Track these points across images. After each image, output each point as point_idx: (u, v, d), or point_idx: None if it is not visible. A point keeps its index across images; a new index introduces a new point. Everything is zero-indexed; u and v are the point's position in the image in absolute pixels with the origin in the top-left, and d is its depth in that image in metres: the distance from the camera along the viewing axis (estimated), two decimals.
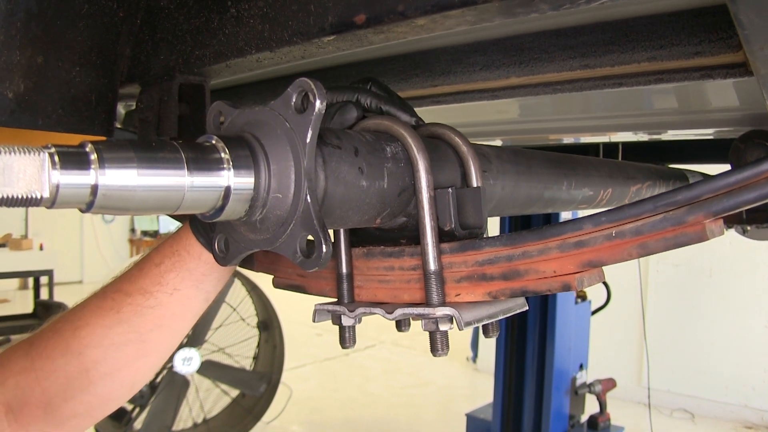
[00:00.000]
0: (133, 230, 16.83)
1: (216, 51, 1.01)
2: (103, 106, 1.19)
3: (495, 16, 0.70)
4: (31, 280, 9.39)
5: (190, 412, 5.48)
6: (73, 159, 0.54)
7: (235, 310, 5.75)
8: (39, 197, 0.52)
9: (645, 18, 1.01)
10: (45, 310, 8.54)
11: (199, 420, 5.63)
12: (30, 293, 9.33)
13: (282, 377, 6.00)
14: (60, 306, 8.35)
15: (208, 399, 5.67)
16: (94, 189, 0.55)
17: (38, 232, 13.02)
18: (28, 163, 0.51)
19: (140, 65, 1.18)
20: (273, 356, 6.06)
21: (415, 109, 1.52)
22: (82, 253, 15.66)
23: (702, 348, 7.15)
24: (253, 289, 5.81)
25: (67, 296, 8.86)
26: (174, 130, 1.11)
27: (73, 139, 1.20)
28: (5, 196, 0.51)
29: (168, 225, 16.70)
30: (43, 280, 9.60)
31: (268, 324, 6.07)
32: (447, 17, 0.71)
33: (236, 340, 5.82)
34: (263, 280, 5.52)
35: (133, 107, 1.61)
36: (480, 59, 1.21)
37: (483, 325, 0.77)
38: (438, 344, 0.72)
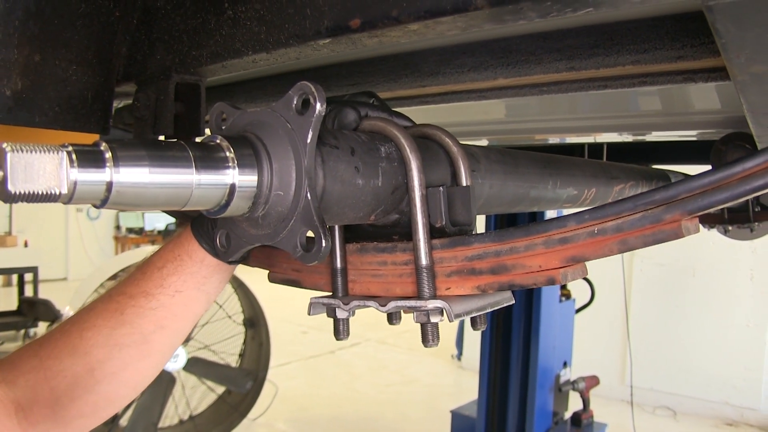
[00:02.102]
0: (118, 227, 16.74)
1: (213, 51, 1.03)
2: (99, 104, 1.21)
3: (485, 22, 0.73)
4: (15, 277, 9.33)
5: (176, 409, 5.48)
6: (89, 157, 0.57)
7: (221, 307, 5.75)
8: (57, 193, 0.55)
9: (629, 23, 1.03)
10: (29, 307, 8.49)
11: (185, 417, 5.63)
12: (14, 290, 9.27)
13: (268, 374, 6.01)
14: (45, 303, 8.31)
15: (194, 396, 5.67)
16: (109, 186, 0.58)
17: (23, 229, 12.93)
18: (48, 161, 0.54)
19: (136, 64, 1.19)
20: (259, 353, 6.07)
21: (403, 109, 1.55)
22: (66, 250, 15.57)
23: (684, 346, 7.23)
24: (240, 287, 5.82)
25: (52, 293, 8.83)
26: (170, 129, 1.13)
27: (68, 136, 1.22)
28: (26, 192, 0.53)
29: (153, 222, 16.65)
30: (28, 277, 9.55)
31: (255, 321, 6.08)
32: (439, 23, 0.73)
33: (222, 337, 5.82)
34: (249, 278, 5.49)
35: (122, 105, 1.63)
36: (468, 60, 1.23)
37: (471, 318, 0.80)
38: (429, 335, 0.76)
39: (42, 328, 8.29)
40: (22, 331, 8.45)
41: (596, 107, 2.21)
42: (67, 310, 5.47)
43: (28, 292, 9.39)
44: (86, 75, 1.17)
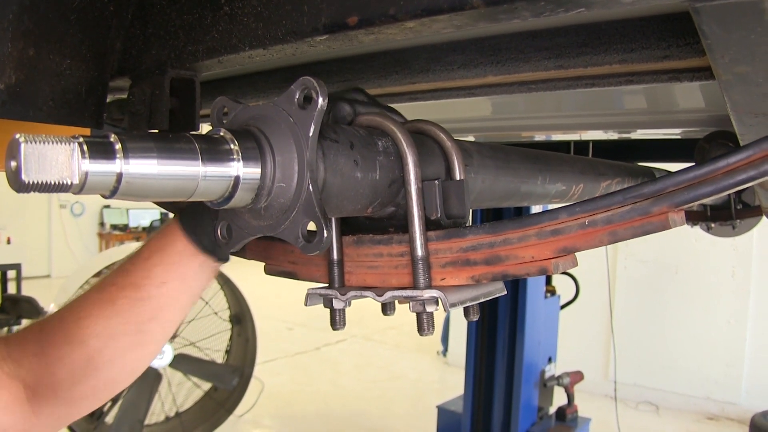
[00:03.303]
0: (102, 224, 16.63)
1: (209, 47, 1.04)
2: (93, 99, 1.21)
3: (480, 21, 0.74)
4: None
5: (162, 406, 5.47)
6: (100, 148, 0.58)
7: (207, 303, 5.74)
8: (69, 183, 0.56)
9: (617, 22, 1.05)
10: (13, 305, 8.41)
11: (172, 414, 5.62)
12: None
13: (254, 371, 6.02)
14: (28, 300, 8.24)
15: (180, 392, 5.66)
16: (119, 177, 0.60)
17: (5, 226, 12.80)
18: (60, 152, 0.55)
19: (131, 59, 1.20)
20: (245, 350, 6.07)
21: (393, 105, 1.56)
22: (50, 247, 15.45)
23: (667, 342, 7.32)
24: (226, 283, 5.81)
25: (35, 291, 8.75)
26: (165, 124, 1.14)
27: (61, 131, 1.22)
28: (39, 182, 0.55)
29: (138, 219, 16.55)
30: (11, 274, 9.46)
31: (241, 317, 6.07)
32: (435, 21, 0.75)
33: (208, 334, 5.81)
34: (236, 274, 5.49)
35: (110, 100, 1.63)
36: (458, 58, 1.24)
37: (464, 308, 0.82)
38: (424, 324, 0.78)
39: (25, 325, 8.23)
40: (5, 329, 8.39)
41: (582, 105, 2.24)
42: (52, 308, 5.44)
43: (11, 289, 9.31)
44: (80, 69, 1.17)
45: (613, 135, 2.78)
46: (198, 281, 1.04)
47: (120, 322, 0.99)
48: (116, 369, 1.01)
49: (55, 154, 0.55)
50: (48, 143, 0.55)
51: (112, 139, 0.59)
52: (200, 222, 0.97)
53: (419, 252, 0.79)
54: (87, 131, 1.27)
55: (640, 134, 2.77)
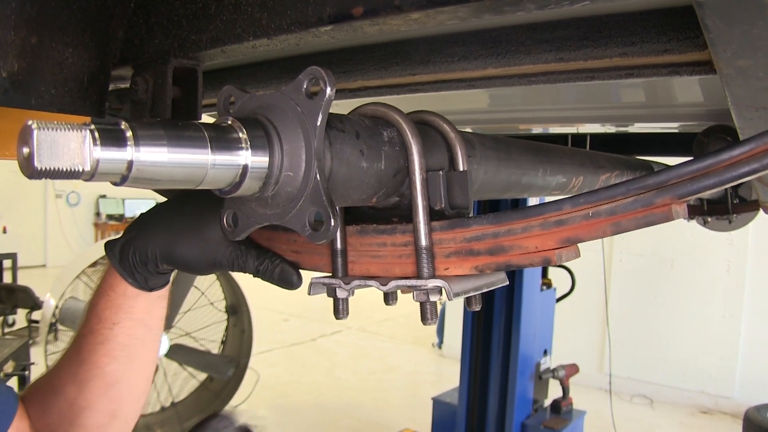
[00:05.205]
0: (98, 214, 16.59)
1: (212, 37, 1.04)
2: (94, 87, 1.21)
3: (484, 12, 0.75)
4: None
5: (158, 396, 5.48)
6: (111, 136, 0.58)
7: (203, 294, 5.75)
8: (81, 170, 0.57)
9: (618, 15, 1.05)
10: (8, 294, 8.41)
11: (167, 404, 5.63)
12: None
13: (249, 362, 6.03)
14: (24, 290, 8.24)
15: (176, 383, 5.67)
16: (130, 164, 0.60)
17: (1, 215, 12.78)
18: (72, 139, 0.55)
19: (133, 48, 1.20)
20: (241, 340, 6.08)
21: (393, 97, 1.56)
22: (45, 236, 15.43)
23: (662, 336, 7.35)
24: (222, 274, 5.81)
25: (31, 280, 8.74)
26: (168, 113, 1.14)
27: (64, 119, 1.22)
28: (51, 169, 0.55)
29: (134, 209, 16.51)
30: (6, 263, 9.46)
31: (237, 308, 6.08)
32: (440, 12, 0.75)
33: (204, 324, 5.82)
34: None
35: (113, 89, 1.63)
36: (459, 50, 1.24)
37: (467, 298, 0.83)
38: (428, 314, 0.79)
39: (21, 315, 8.23)
40: (1, 319, 8.39)
41: (580, 98, 2.25)
42: (48, 297, 5.44)
43: (7, 278, 9.31)
44: (82, 58, 1.17)
45: (610, 128, 2.78)
46: (149, 312, 1.06)
47: (86, 368, 1.04)
48: (94, 413, 1.05)
49: (67, 141, 0.55)
50: (60, 130, 0.55)
51: (122, 127, 0.59)
52: (125, 259, 0.98)
53: (423, 242, 0.79)
54: (88, 120, 1.27)
55: (637, 128, 2.78)
